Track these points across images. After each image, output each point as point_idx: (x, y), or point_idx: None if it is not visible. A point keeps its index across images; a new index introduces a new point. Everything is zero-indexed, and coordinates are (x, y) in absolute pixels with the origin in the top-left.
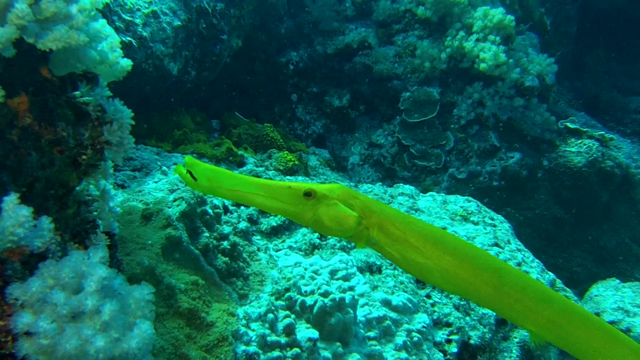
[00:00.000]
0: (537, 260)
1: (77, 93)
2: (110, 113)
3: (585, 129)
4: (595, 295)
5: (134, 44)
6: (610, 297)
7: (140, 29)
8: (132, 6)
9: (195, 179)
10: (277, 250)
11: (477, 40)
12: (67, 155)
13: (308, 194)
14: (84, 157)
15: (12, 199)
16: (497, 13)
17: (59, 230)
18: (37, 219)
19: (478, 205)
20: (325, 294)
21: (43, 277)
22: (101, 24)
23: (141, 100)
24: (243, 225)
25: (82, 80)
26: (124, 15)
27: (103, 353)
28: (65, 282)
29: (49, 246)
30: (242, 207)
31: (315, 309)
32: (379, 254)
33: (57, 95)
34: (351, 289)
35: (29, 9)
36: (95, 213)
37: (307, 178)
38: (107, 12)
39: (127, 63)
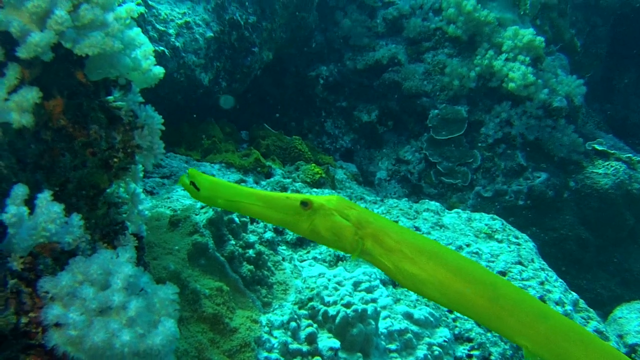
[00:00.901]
0: (561, 280)
1: (110, 98)
2: (141, 118)
3: (612, 151)
4: (619, 317)
5: (167, 53)
6: (634, 319)
7: (173, 39)
8: (166, 17)
9: (197, 189)
10: (301, 261)
11: (507, 59)
12: (99, 158)
13: (305, 204)
14: (115, 159)
15: (45, 196)
16: (527, 33)
17: (89, 229)
18: (68, 217)
19: (503, 224)
20: (347, 305)
21: (73, 272)
22: (136, 32)
23: (172, 109)
24: (269, 235)
25: (116, 85)
26: (157, 25)
27: (128, 347)
28: (94, 278)
29: (80, 244)
30: None
31: (338, 319)
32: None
33: (91, 99)
34: (374, 301)
35: (68, 16)
36: (124, 215)
37: (334, 191)
38: (141, 22)
39: (159, 71)
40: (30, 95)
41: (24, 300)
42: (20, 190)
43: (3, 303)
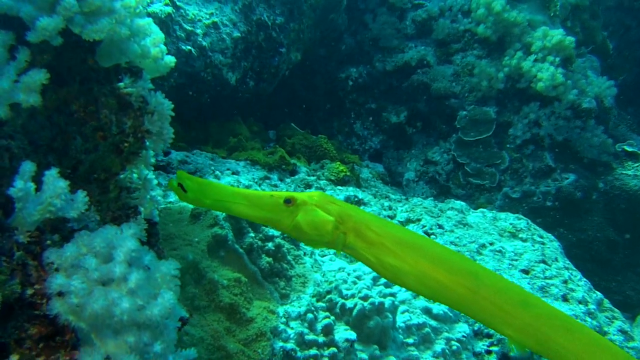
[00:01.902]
0: (585, 280)
1: (121, 84)
2: (152, 104)
3: None
4: None
5: (194, 52)
6: None
7: (200, 39)
8: (193, 17)
9: (185, 191)
10: (322, 256)
11: (536, 60)
12: (110, 142)
13: (288, 201)
14: (125, 144)
15: (52, 173)
16: (557, 34)
17: (101, 212)
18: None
19: (528, 223)
20: (365, 298)
21: (77, 244)
22: (146, 22)
23: (200, 108)
24: None
25: (127, 72)
26: (185, 25)
27: (127, 315)
28: (97, 250)
29: (89, 224)
30: None
31: (355, 311)
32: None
33: (102, 84)
34: (392, 295)
35: (76, 2)
36: (136, 200)
37: (359, 190)
38: (168, 22)
39: (170, 60)
40: (38, 77)
41: (30, 272)
42: (28, 167)
43: (9, 273)
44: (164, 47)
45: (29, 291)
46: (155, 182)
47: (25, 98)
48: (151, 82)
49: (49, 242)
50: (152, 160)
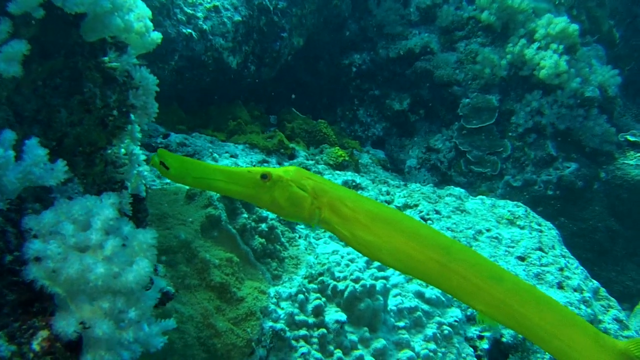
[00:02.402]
0: (582, 268)
1: (105, 59)
2: (136, 79)
3: None
4: None
5: (194, 36)
6: None
7: (201, 22)
8: (194, 0)
9: (167, 168)
10: (317, 239)
11: (539, 48)
12: (95, 116)
13: (264, 177)
14: (110, 118)
15: (32, 142)
16: (561, 21)
17: (87, 185)
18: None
19: (526, 210)
20: (356, 280)
21: (56, 212)
22: None
23: (201, 92)
24: None
25: (112, 47)
26: (186, 9)
27: (102, 280)
28: (75, 218)
29: (72, 195)
30: None
31: (346, 293)
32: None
33: (86, 58)
34: (385, 278)
35: None
36: (123, 175)
37: (357, 174)
38: (169, 4)
39: (157, 36)
40: (19, 47)
41: (10, 239)
42: (8, 135)
43: None
44: (149, 23)
45: (9, 257)
46: (142, 157)
47: (5, 68)
48: (151, 65)
49: (30, 210)
50: (139, 135)
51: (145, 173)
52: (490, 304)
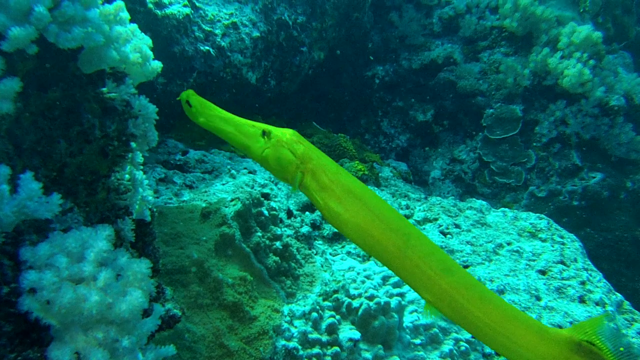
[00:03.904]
0: (605, 281)
1: (104, 89)
2: (136, 108)
3: None
4: None
5: (212, 53)
6: None
7: (219, 39)
8: (213, 17)
9: (190, 106)
10: (334, 255)
11: (563, 57)
12: (95, 145)
13: (264, 134)
14: (110, 147)
15: (27, 176)
16: (585, 29)
17: (89, 213)
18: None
19: (548, 223)
20: (371, 298)
21: (51, 244)
22: (126, 29)
23: (220, 107)
24: (305, 229)
25: (111, 77)
26: (204, 26)
27: (96, 309)
28: (69, 250)
29: (72, 225)
30: (307, 213)
31: (360, 311)
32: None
33: (84, 90)
34: (401, 295)
35: (47, 12)
36: (127, 201)
37: (377, 188)
38: (187, 23)
39: (157, 65)
40: (11, 85)
41: (6, 271)
42: (3, 170)
43: None
44: (149, 52)
45: (5, 289)
46: (146, 182)
47: None
48: (170, 83)
49: (27, 242)
50: (141, 160)
51: (150, 198)
52: (437, 296)
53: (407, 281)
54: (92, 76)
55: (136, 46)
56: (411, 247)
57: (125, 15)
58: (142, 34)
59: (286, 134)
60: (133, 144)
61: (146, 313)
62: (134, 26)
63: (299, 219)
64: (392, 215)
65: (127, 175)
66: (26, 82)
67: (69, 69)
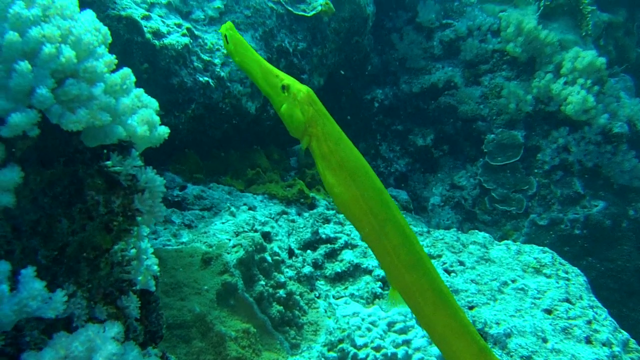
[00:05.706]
0: (611, 319)
1: (108, 163)
2: (142, 181)
3: None
4: None
5: (211, 84)
6: None
7: (218, 69)
8: (212, 46)
9: (228, 42)
10: (337, 298)
11: (566, 83)
12: (99, 222)
13: (283, 88)
14: (115, 223)
15: (28, 272)
16: (588, 55)
17: (91, 291)
18: (53, 292)
19: (553, 257)
20: (377, 349)
21: (56, 349)
22: (132, 98)
23: (220, 138)
24: (307, 270)
25: (115, 149)
26: (203, 55)
27: None
28: (76, 355)
29: (74, 311)
30: (309, 251)
31: None
32: None
33: (87, 165)
34: (407, 342)
35: (50, 94)
36: (131, 273)
37: None
38: (185, 53)
39: (164, 131)
40: (12, 176)
41: None
42: (2, 267)
43: None
44: (155, 118)
45: None
46: (151, 250)
47: None
48: (167, 115)
49: (28, 338)
50: (146, 231)
51: (155, 267)
52: (400, 288)
53: (380, 264)
54: (96, 149)
55: (143, 117)
56: (385, 234)
57: (132, 80)
58: (148, 97)
59: (301, 91)
60: (139, 218)
61: None
62: (140, 91)
63: (300, 258)
64: (375, 197)
65: (133, 250)
66: (25, 157)
67: (71, 143)
